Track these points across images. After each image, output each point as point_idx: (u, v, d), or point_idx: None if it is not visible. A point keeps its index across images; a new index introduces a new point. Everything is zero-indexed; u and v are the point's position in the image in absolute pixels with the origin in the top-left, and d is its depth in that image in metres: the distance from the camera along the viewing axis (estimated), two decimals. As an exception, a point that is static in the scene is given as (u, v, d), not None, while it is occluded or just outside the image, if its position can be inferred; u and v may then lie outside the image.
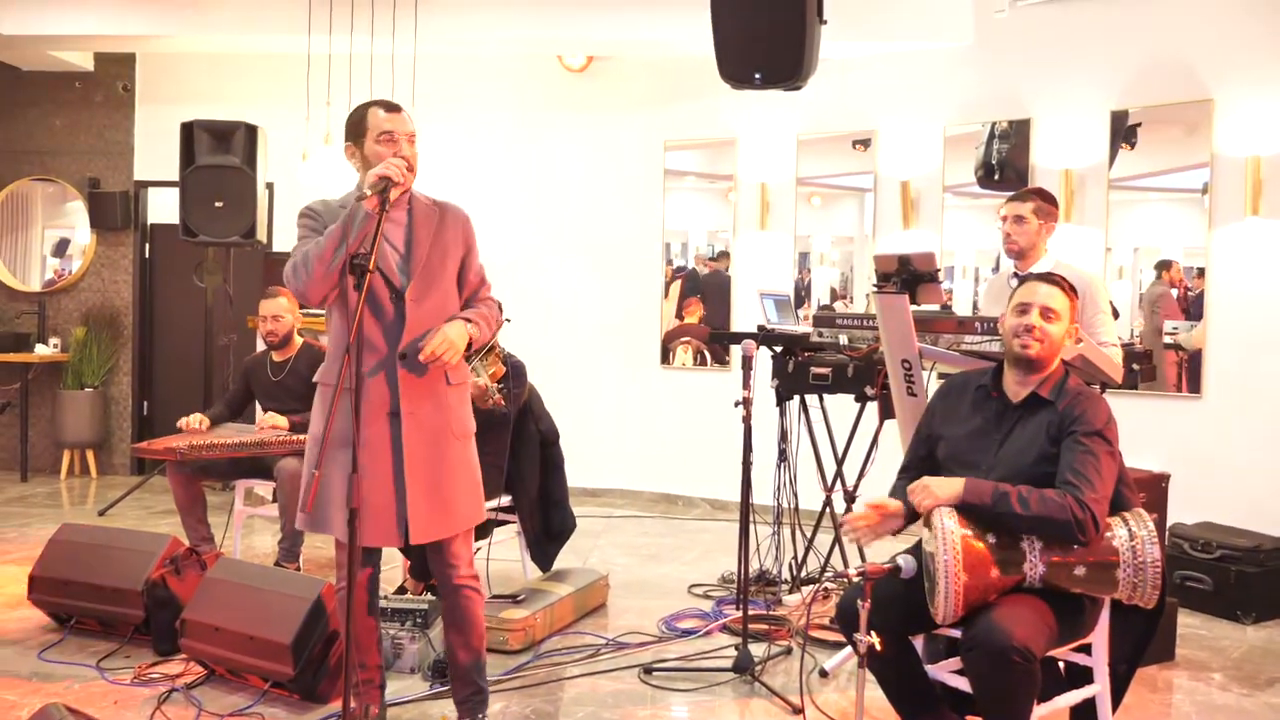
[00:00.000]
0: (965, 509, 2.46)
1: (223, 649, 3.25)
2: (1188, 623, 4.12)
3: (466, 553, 2.81)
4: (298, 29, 5.85)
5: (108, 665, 3.45)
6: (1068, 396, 2.58)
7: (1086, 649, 2.65)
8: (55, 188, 7.28)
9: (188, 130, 5.85)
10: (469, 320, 2.72)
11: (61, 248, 7.37)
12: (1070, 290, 2.66)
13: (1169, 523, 4.25)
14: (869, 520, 2.61)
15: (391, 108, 2.71)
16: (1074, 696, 2.66)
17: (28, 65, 7.09)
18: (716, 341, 6.42)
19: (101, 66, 7.19)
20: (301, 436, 4.33)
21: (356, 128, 2.70)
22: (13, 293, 7.27)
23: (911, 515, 2.60)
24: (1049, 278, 2.70)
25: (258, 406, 4.70)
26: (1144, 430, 4.84)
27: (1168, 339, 5.08)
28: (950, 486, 2.49)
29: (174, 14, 6.10)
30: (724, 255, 6.54)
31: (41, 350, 7.06)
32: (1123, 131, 5.22)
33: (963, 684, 2.52)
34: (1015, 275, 3.52)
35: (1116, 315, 4.88)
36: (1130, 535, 2.45)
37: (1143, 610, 2.59)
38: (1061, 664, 2.77)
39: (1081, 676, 2.70)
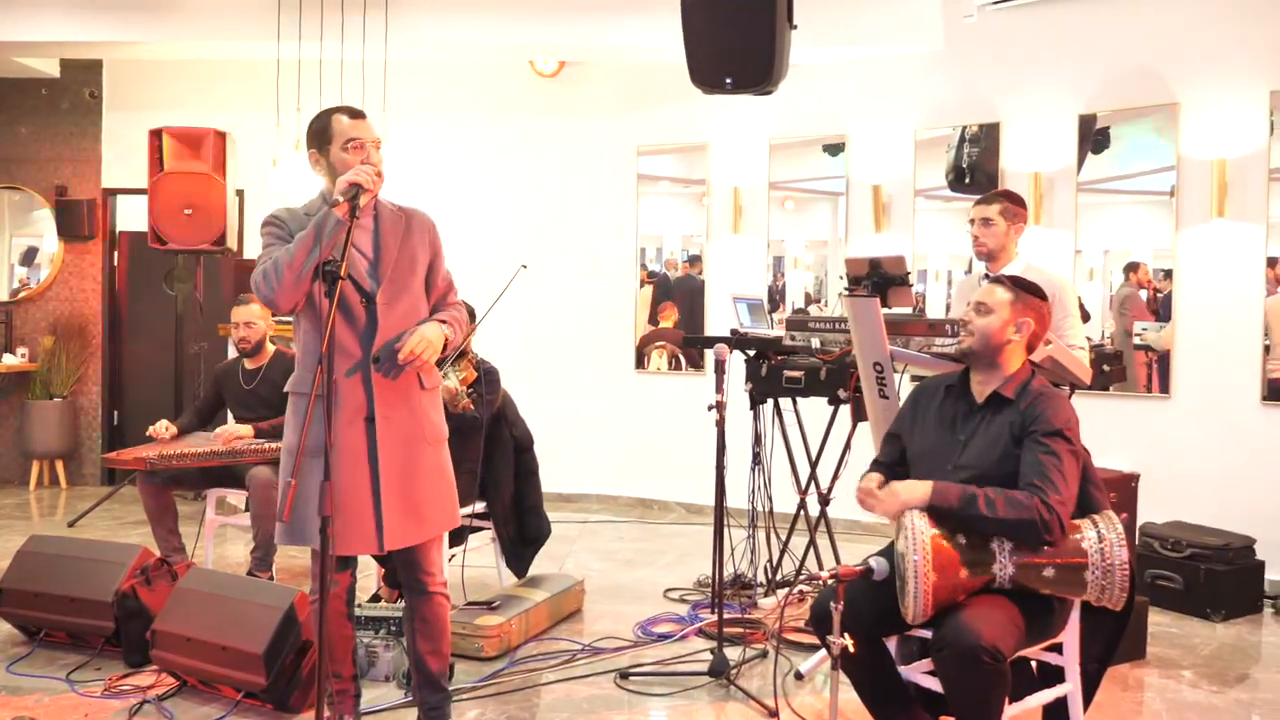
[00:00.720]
0: (929, 512, 2.48)
1: (195, 660, 3.21)
2: (1158, 621, 4.16)
3: (440, 559, 2.80)
4: (267, 35, 5.81)
5: (78, 678, 3.41)
6: (1030, 396, 2.61)
7: (1058, 648, 2.67)
8: (22, 196, 7.19)
9: (156, 137, 5.80)
10: (444, 322, 2.72)
11: (29, 256, 7.28)
12: (1016, 288, 2.69)
13: (1139, 522, 4.29)
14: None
15: (355, 114, 2.69)
16: (1046, 695, 2.68)
17: (-7, 72, 7.01)
18: (690, 346, 6.44)
19: (68, 73, 7.11)
20: (274, 445, 4.30)
21: (321, 135, 2.68)
22: (-21, 302, 7.18)
23: None
24: (995, 278, 2.76)
25: (229, 414, 4.65)
26: (1114, 431, 4.91)
27: (1137, 340, 5.14)
28: (917, 490, 2.52)
29: (142, 20, 6.04)
30: (695, 259, 6.56)
31: (9, 360, 6.97)
32: (1091, 135, 5.28)
33: (935, 685, 2.54)
34: (986, 277, 3.55)
35: (1087, 317, 4.95)
36: (1099, 538, 2.48)
37: (1113, 610, 2.61)
38: (1033, 663, 2.79)
39: (1053, 675, 2.73)
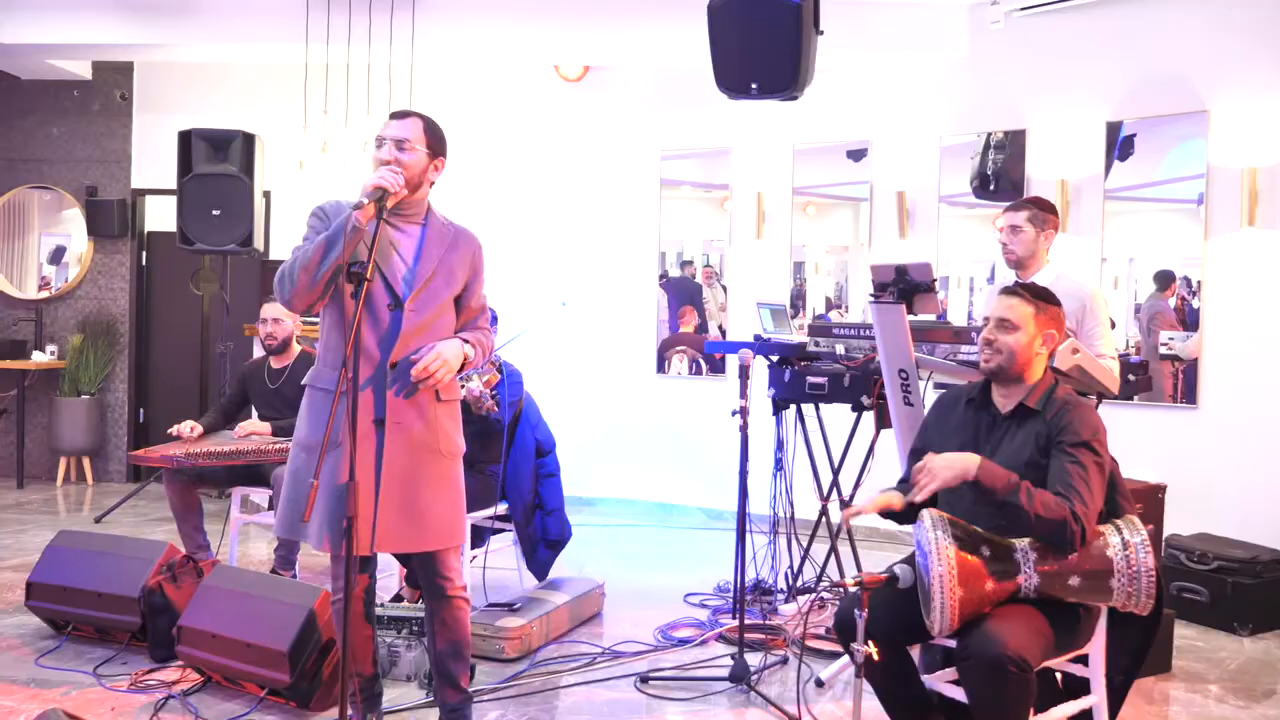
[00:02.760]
0: (971, 489, 2.45)
1: (219, 656, 3.24)
2: (1184, 634, 4.12)
3: (459, 564, 2.80)
4: (295, 38, 5.86)
5: (105, 672, 3.44)
6: (1055, 406, 2.59)
7: (1083, 660, 2.65)
8: (52, 195, 7.28)
9: (185, 138, 5.86)
10: (466, 342, 2.72)
11: (58, 255, 7.37)
12: (1036, 299, 2.65)
13: (1165, 534, 4.26)
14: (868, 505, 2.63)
15: (394, 114, 2.73)
16: (1071, 707, 2.66)
17: (26, 74, 7.10)
18: (714, 351, 6.43)
19: (100, 75, 7.20)
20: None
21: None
22: (10, 300, 7.27)
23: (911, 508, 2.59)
24: (1011, 288, 2.70)
25: (254, 413, 4.69)
26: (1140, 441, 4.86)
27: (1164, 350, 5.09)
28: (959, 463, 2.47)
29: (172, 23, 6.11)
30: (707, 267, 6.59)
31: (38, 357, 7.06)
32: (1118, 142, 5.25)
33: (959, 694, 2.53)
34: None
35: (1113, 326, 4.92)
36: (1124, 544, 2.46)
37: (1139, 621, 2.60)
38: (1058, 674, 2.77)
39: (1078, 687, 2.71)
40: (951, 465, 2.47)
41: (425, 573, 2.79)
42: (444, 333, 2.71)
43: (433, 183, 2.75)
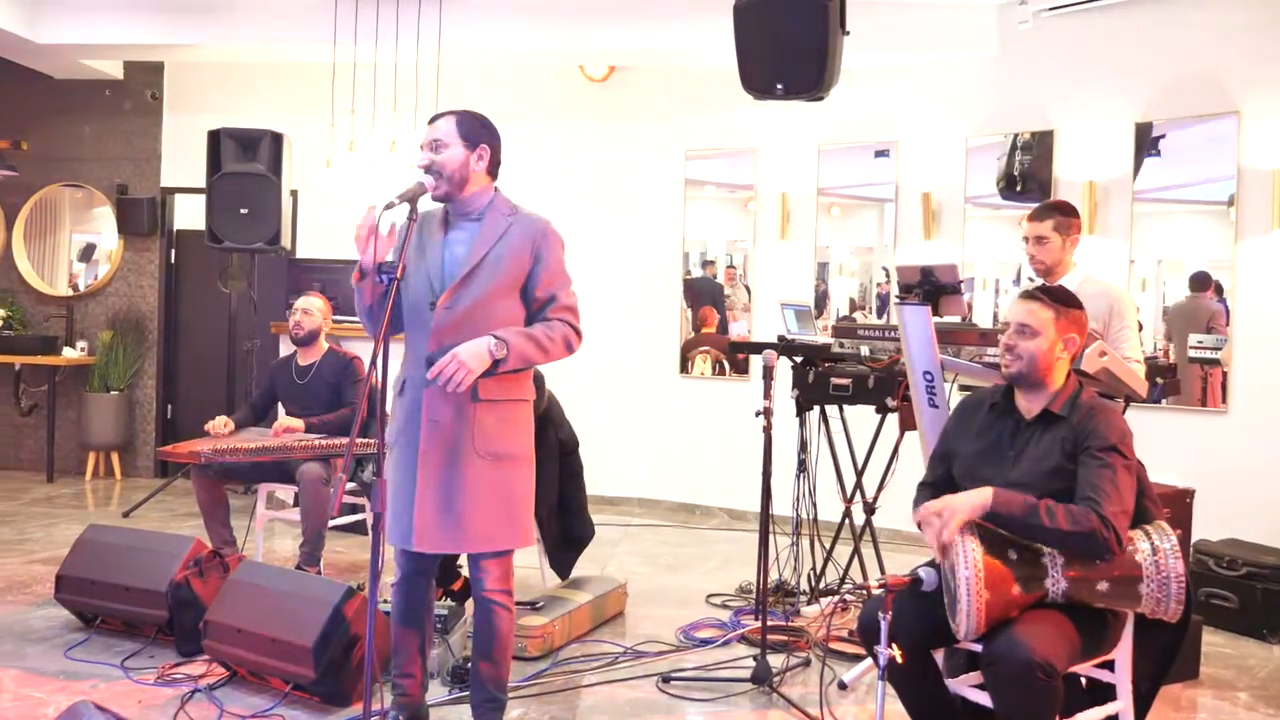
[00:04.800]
0: (990, 520, 2.44)
1: (245, 651, 3.27)
2: (1212, 641, 4.07)
3: (495, 568, 2.78)
4: (323, 38, 5.91)
5: (132, 665, 3.48)
6: (1081, 411, 2.56)
7: (1109, 665, 2.63)
8: (83, 193, 7.37)
9: (214, 138, 5.92)
10: (499, 339, 2.61)
11: (88, 252, 7.46)
12: (1056, 303, 2.62)
13: (1193, 539, 4.22)
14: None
15: (431, 119, 2.76)
16: (1097, 714, 2.64)
17: (60, 73, 7.19)
18: (737, 351, 6.42)
19: (131, 74, 7.29)
20: (325, 440, 4.37)
21: None
22: (42, 296, 7.37)
23: None
24: (1031, 293, 2.67)
25: (281, 409, 4.73)
26: (1168, 445, 4.80)
27: (1193, 352, 5.04)
28: (976, 496, 2.46)
29: (202, 23, 6.18)
30: (730, 268, 6.59)
31: (69, 353, 7.15)
32: (1147, 143, 5.20)
33: (984, 699, 2.51)
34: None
35: (1140, 328, 4.87)
36: (1153, 549, 2.44)
37: (1167, 626, 2.57)
38: (1084, 680, 2.75)
39: (1104, 693, 2.68)
40: (970, 499, 2.44)
41: (470, 566, 2.81)
42: (490, 328, 2.63)
43: (489, 173, 2.77)
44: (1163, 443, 4.70)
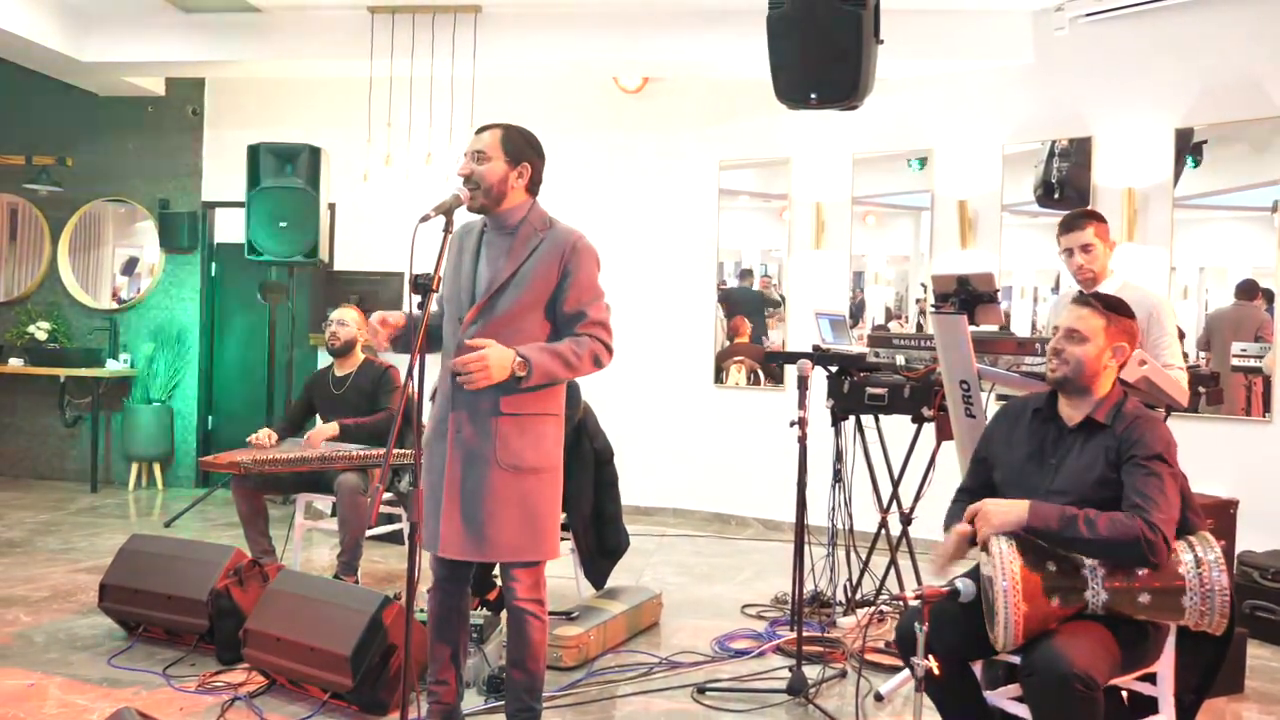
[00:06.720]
0: (1027, 533, 2.42)
1: (284, 659, 3.31)
2: (1257, 654, 4.00)
3: (526, 577, 2.79)
4: (360, 54, 5.99)
5: (174, 673, 3.53)
6: (1125, 420, 2.53)
7: (1151, 678, 2.59)
8: (126, 208, 7.52)
9: (254, 152, 6.02)
10: (523, 356, 2.60)
11: (130, 266, 7.60)
12: (1108, 310, 2.59)
13: (1238, 550, 4.14)
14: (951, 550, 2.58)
15: (478, 130, 2.78)
16: (1138, 727, 2.60)
17: (104, 90, 7.34)
18: (773, 361, 6.41)
19: (172, 91, 7.43)
20: (361, 450, 4.41)
21: None
22: (86, 310, 7.51)
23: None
24: (1082, 298, 2.64)
25: (318, 420, 4.79)
26: (1211, 455, 4.72)
27: (1236, 361, 4.96)
28: (1012, 511, 2.44)
29: (242, 40, 6.29)
30: (765, 276, 6.58)
31: (112, 366, 7.28)
32: (1188, 149, 5.13)
33: (1023, 711, 2.48)
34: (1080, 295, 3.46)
35: (1182, 336, 4.80)
36: (1197, 561, 2.40)
37: (1211, 639, 2.52)
38: (1125, 693, 2.71)
39: (1146, 706, 2.64)
40: (1006, 512, 2.44)
41: (501, 575, 2.84)
42: (517, 343, 2.64)
43: (529, 190, 2.77)
44: (1206, 452, 4.63)
